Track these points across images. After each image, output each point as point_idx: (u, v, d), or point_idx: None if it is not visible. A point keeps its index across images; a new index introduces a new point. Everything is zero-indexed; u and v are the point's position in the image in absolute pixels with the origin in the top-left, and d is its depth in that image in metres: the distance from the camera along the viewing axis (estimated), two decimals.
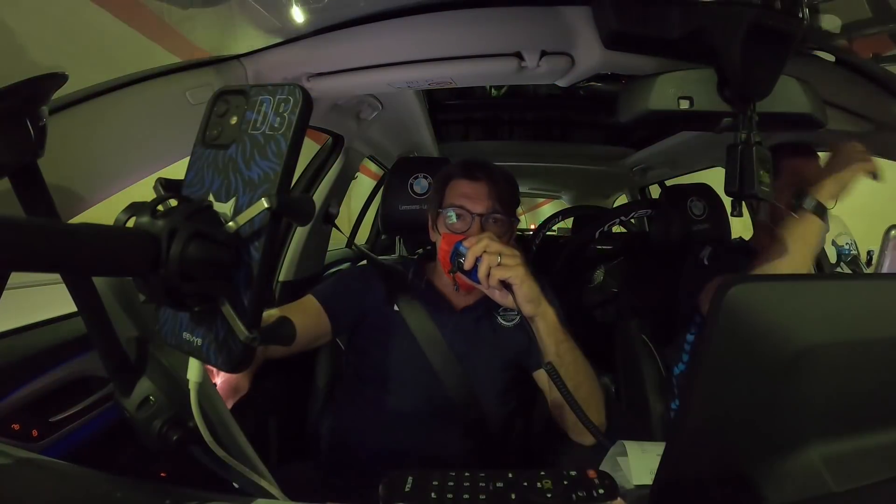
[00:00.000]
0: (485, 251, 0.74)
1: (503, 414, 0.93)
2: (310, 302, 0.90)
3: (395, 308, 0.90)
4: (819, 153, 1.10)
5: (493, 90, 1.74)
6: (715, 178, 1.15)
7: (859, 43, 0.77)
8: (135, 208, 0.31)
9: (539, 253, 2.15)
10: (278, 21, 0.72)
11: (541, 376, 0.86)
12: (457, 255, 0.78)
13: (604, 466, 0.54)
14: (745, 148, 0.67)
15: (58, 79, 0.40)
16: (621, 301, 1.46)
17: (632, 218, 1.63)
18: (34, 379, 0.63)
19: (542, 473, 0.42)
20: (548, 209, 7.49)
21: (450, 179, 0.88)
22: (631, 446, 0.52)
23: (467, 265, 0.76)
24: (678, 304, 1.22)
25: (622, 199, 2.92)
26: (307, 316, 0.87)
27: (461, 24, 0.76)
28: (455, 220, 0.85)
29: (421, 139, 1.71)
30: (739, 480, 0.34)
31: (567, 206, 3.11)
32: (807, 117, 0.72)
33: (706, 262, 1.09)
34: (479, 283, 0.76)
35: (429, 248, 1.01)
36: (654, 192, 2.38)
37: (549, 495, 0.39)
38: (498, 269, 0.74)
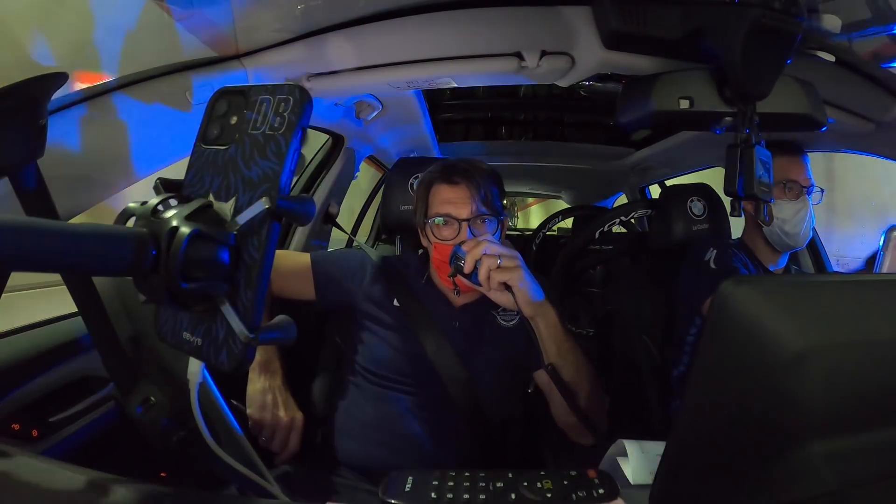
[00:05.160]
0: (484, 254, 0.74)
1: (503, 413, 0.93)
2: (304, 262, 0.93)
3: (396, 303, 0.90)
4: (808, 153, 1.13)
5: (490, 92, 1.74)
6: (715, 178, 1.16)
7: (859, 43, 0.77)
8: (135, 208, 0.31)
9: (539, 253, 2.15)
10: (278, 21, 0.72)
11: (541, 376, 0.86)
12: (456, 258, 0.78)
13: (604, 466, 0.54)
14: (745, 148, 0.67)
15: (58, 79, 0.40)
16: (622, 299, 1.46)
17: (632, 218, 1.63)
18: (34, 379, 0.63)
19: (542, 473, 0.42)
20: (536, 210, 7.52)
21: (431, 186, 0.88)
22: (631, 446, 0.52)
23: (467, 269, 0.76)
24: (677, 304, 1.23)
25: (622, 200, 2.92)
26: (296, 273, 0.92)
27: (461, 24, 0.76)
28: (442, 227, 0.85)
29: (421, 139, 1.71)
30: (739, 480, 0.34)
31: (567, 206, 3.11)
32: (807, 117, 0.72)
33: (713, 266, 1.10)
34: (479, 285, 0.76)
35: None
36: (655, 192, 2.38)
37: (549, 495, 0.39)
38: (498, 271, 0.74)
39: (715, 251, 1.12)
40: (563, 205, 3.32)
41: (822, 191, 1.12)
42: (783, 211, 1.07)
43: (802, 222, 1.07)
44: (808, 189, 1.09)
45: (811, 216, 1.08)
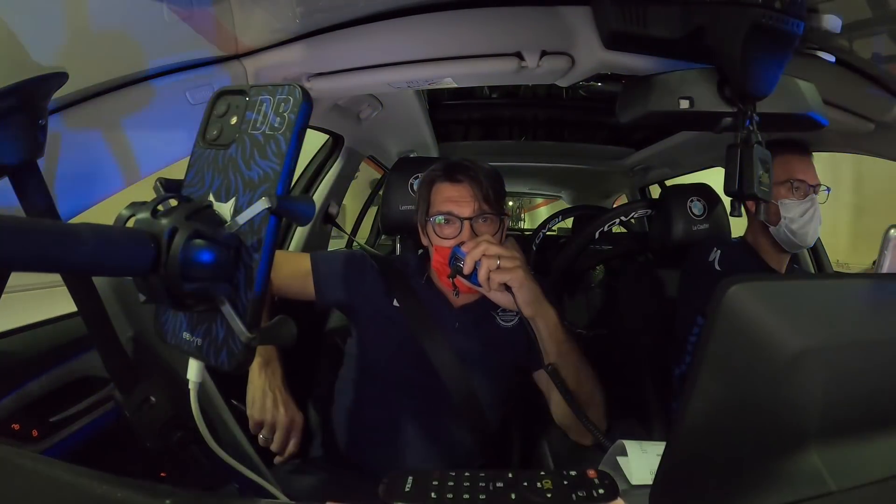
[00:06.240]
0: (483, 255, 0.74)
1: (503, 413, 0.93)
2: (303, 263, 0.93)
3: (395, 304, 0.90)
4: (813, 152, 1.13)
5: (490, 92, 1.74)
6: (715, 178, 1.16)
7: (859, 43, 0.77)
8: (135, 208, 0.31)
9: (539, 253, 2.15)
10: (278, 21, 0.72)
11: (541, 376, 0.86)
12: (455, 259, 0.78)
13: (604, 466, 0.54)
14: (745, 148, 0.67)
15: (58, 79, 0.40)
16: (622, 299, 1.46)
17: (632, 218, 1.63)
18: (34, 379, 0.63)
19: (542, 473, 0.42)
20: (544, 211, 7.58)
21: (433, 184, 0.88)
22: (631, 446, 0.52)
23: (466, 270, 0.76)
24: (679, 304, 1.23)
25: (622, 199, 2.92)
26: (295, 273, 0.92)
27: (461, 24, 0.76)
28: (444, 225, 0.85)
29: (421, 139, 1.71)
30: (739, 480, 0.34)
31: (567, 206, 3.11)
32: (807, 117, 0.72)
33: (718, 267, 1.09)
34: (479, 286, 0.76)
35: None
36: (655, 192, 2.38)
37: (549, 495, 0.39)
38: (497, 272, 0.74)
39: (719, 252, 1.11)
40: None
41: (828, 189, 1.12)
42: (790, 210, 1.07)
43: (810, 222, 1.06)
44: (816, 188, 1.09)
45: (818, 216, 1.08)
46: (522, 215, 8.05)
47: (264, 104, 0.34)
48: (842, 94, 0.88)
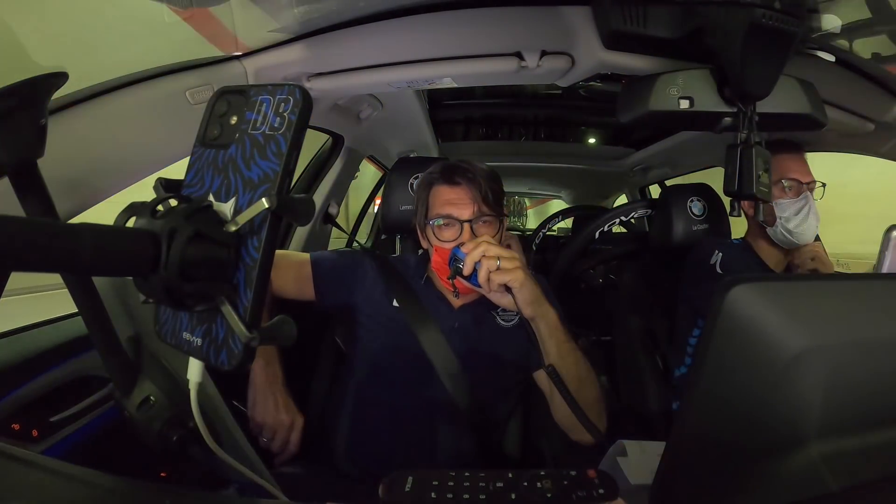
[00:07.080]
0: (483, 256, 0.74)
1: (503, 413, 0.93)
2: (303, 263, 0.93)
3: (395, 304, 0.90)
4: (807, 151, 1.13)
5: (490, 92, 1.74)
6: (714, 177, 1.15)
7: (859, 43, 0.77)
8: (135, 208, 0.31)
9: (539, 253, 2.15)
10: (278, 21, 0.72)
11: (541, 376, 0.86)
12: (455, 260, 0.78)
13: (604, 466, 0.54)
14: (745, 148, 0.67)
15: (58, 79, 0.40)
16: (622, 299, 1.46)
17: (632, 218, 1.63)
18: (34, 379, 0.63)
19: (542, 473, 0.42)
20: (532, 213, 7.58)
21: (431, 187, 0.88)
22: (631, 446, 0.52)
23: (466, 271, 0.76)
24: (679, 305, 1.23)
25: (622, 199, 2.92)
26: (295, 274, 0.92)
27: (461, 24, 0.76)
28: (444, 228, 0.84)
29: (421, 139, 1.71)
30: (739, 480, 0.34)
31: (567, 206, 3.11)
32: (807, 117, 0.72)
33: (719, 270, 1.09)
34: (479, 287, 0.76)
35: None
36: (655, 192, 2.38)
37: (549, 495, 0.39)
38: (497, 273, 0.73)
39: (721, 255, 1.11)
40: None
41: (824, 185, 1.12)
42: (785, 210, 1.06)
43: (806, 220, 1.06)
44: (809, 185, 1.09)
45: (815, 212, 1.07)
46: (526, 212, 8.02)
47: (264, 104, 0.34)
48: (842, 94, 0.88)
